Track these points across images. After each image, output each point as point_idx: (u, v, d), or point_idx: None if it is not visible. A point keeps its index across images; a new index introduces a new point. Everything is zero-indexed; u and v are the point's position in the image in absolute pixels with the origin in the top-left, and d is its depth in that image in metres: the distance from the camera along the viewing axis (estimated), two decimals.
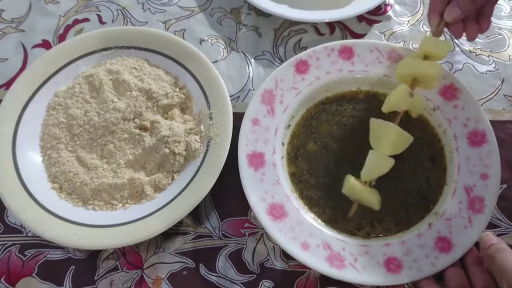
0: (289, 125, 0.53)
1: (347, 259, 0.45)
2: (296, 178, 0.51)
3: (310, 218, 0.48)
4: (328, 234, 0.47)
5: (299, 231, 0.47)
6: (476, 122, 0.50)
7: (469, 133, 0.50)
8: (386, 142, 0.48)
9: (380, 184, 0.50)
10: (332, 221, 0.49)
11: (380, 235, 0.48)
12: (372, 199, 0.48)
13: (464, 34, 0.51)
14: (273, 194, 0.49)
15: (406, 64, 0.51)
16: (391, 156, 0.48)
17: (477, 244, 0.46)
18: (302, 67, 0.55)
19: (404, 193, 0.50)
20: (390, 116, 0.50)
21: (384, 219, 0.49)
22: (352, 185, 0.48)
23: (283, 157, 0.52)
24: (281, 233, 0.46)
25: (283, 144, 0.52)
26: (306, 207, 0.49)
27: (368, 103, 0.55)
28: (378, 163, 0.48)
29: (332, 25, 0.64)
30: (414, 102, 0.51)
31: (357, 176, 0.49)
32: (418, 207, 0.49)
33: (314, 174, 0.51)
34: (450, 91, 0.52)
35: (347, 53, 0.55)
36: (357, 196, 0.49)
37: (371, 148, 0.50)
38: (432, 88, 0.51)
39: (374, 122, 0.50)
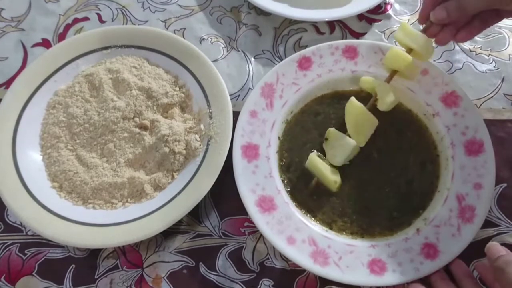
0: (287, 120, 0.54)
1: (332, 256, 0.46)
2: (288, 167, 0.51)
3: (298, 213, 0.49)
4: (314, 230, 0.47)
5: (286, 225, 0.47)
6: (475, 131, 0.50)
7: (466, 142, 0.50)
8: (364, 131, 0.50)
9: (372, 185, 0.50)
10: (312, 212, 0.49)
11: (366, 236, 0.48)
12: (330, 178, 0.49)
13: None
14: (264, 187, 0.49)
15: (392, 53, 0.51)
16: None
17: (465, 255, 0.45)
18: (304, 64, 0.55)
19: (394, 196, 0.50)
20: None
21: (372, 220, 0.49)
22: (313, 160, 0.49)
23: (277, 151, 0.52)
24: (268, 226, 0.47)
25: (279, 138, 0.53)
26: (292, 199, 0.50)
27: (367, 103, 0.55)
28: (347, 149, 0.49)
29: (332, 24, 0.64)
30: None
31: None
32: (408, 211, 0.49)
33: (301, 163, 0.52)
34: (451, 98, 0.52)
35: (351, 53, 0.55)
36: (316, 172, 0.49)
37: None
38: (411, 79, 0.52)
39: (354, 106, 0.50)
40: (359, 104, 0.50)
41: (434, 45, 0.51)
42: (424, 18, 0.50)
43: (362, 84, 0.53)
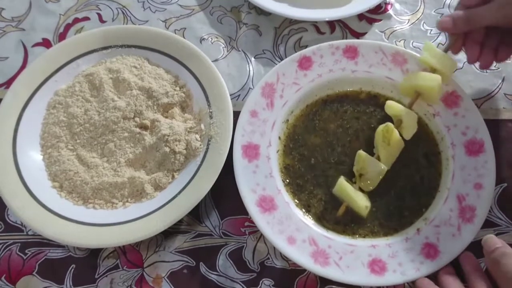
0: (287, 120, 0.54)
1: (332, 256, 0.46)
2: (289, 170, 0.51)
3: (299, 213, 0.49)
4: (315, 230, 0.47)
5: (286, 225, 0.47)
6: (475, 131, 0.50)
7: (467, 142, 0.50)
8: (393, 155, 0.49)
9: (386, 186, 0.50)
10: (320, 218, 0.49)
11: (367, 236, 0.48)
12: (360, 204, 0.48)
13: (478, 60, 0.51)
14: (264, 187, 0.49)
15: (409, 76, 0.52)
16: None
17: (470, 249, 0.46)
18: (305, 63, 0.55)
19: (395, 197, 0.50)
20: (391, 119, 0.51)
21: (373, 221, 0.49)
22: (343, 187, 0.48)
23: (278, 150, 0.52)
24: (268, 226, 0.47)
25: (279, 138, 0.52)
26: (296, 201, 0.50)
27: (369, 105, 0.55)
28: (379, 174, 0.49)
29: (332, 24, 0.64)
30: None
31: (350, 178, 0.50)
32: (408, 212, 0.49)
33: (308, 168, 0.51)
34: (452, 98, 0.52)
35: (351, 53, 0.55)
36: (346, 198, 0.48)
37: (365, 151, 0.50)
38: (435, 102, 0.51)
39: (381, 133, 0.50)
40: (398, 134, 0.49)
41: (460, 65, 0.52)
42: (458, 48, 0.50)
43: (388, 109, 0.51)
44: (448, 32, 0.48)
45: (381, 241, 0.47)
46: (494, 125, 0.54)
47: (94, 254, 0.49)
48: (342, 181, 0.49)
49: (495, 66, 0.60)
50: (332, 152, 0.52)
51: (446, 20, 0.48)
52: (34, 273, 0.48)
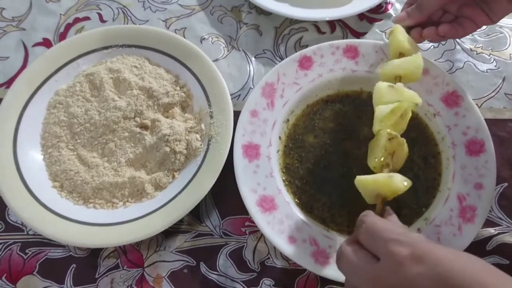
0: (288, 120, 0.54)
1: (333, 256, 0.46)
2: (289, 169, 0.51)
3: (299, 213, 0.49)
4: (315, 230, 0.47)
5: (287, 225, 0.47)
6: (476, 131, 0.50)
7: (467, 142, 0.50)
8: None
9: None
10: (328, 222, 0.49)
11: None
12: (396, 182, 0.40)
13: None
14: (265, 186, 0.49)
15: (387, 66, 0.50)
16: None
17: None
18: (305, 63, 0.55)
19: (395, 196, 0.49)
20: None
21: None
22: (362, 181, 0.42)
23: (278, 150, 0.52)
24: (269, 226, 0.47)
25: (280, 138, 0.52)
26: (297, 200, 0.50)
27: (370, 105, 0.54)
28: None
29: (332, 24, 0.64)
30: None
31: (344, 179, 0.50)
32: (409, 211, 0.49)
33: (306, 171, 0.51)
34: (452, 98, 0.52)
35: (351, 52, 0.55)
36: (378, 188, 0.41)
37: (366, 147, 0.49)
38: (417, 80, 0.49)
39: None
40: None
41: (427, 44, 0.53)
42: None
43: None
44: (403, 22, 0.51)
45: None
46: (494, 125, 0.54)
47: (94, 253, 0.49)
48: (359, 178, 0.43)
49: (495, 66, 0.60)
50: (325, 153, 0.52)
51: (401, 14, 0.52)
52: (34, 272, 0.48)
